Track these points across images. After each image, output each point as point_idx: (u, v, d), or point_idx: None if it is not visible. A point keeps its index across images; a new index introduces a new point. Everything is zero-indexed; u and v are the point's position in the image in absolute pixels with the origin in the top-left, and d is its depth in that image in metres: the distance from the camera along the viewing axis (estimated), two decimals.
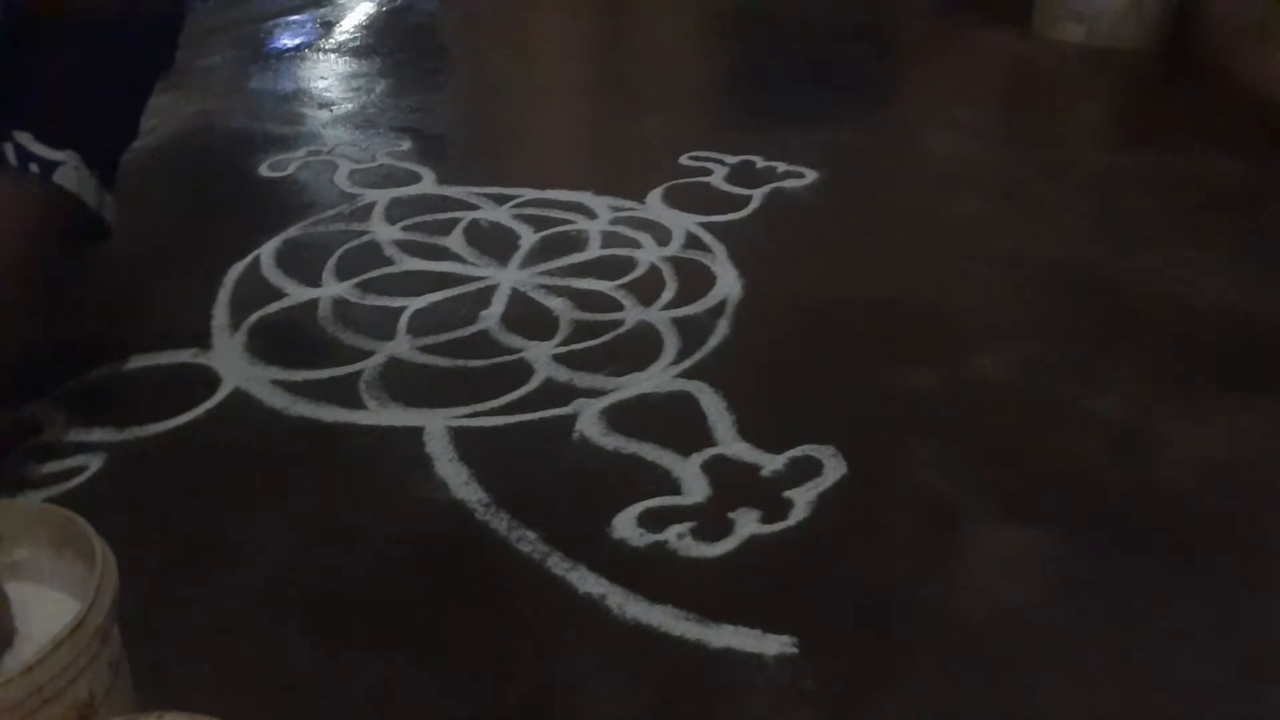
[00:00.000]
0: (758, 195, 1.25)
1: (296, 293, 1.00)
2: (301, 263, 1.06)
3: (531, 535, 0.68)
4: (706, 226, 1.16)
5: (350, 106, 1.57)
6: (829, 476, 0.75)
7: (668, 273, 1.05)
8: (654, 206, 1.21)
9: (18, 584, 0.50)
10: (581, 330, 0.94)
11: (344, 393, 0.83)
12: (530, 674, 0.58)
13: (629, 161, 1.40)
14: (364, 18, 2.14)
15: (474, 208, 1.20)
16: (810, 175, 1.31)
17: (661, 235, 1.14)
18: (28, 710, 0.41)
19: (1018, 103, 1.75)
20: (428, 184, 1.27)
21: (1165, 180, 1.34)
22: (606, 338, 0.93)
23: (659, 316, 0.97)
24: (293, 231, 1.12)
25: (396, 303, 0.98)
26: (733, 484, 0.73)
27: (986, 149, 1.46)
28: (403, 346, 0.91)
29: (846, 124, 1.53)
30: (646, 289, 1.02)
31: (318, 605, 0.63)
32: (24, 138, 0.68)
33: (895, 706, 0.57)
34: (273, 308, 0.97)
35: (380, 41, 1.97)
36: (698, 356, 0.90)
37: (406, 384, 0.86)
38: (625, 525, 0.70)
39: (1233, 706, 0.58)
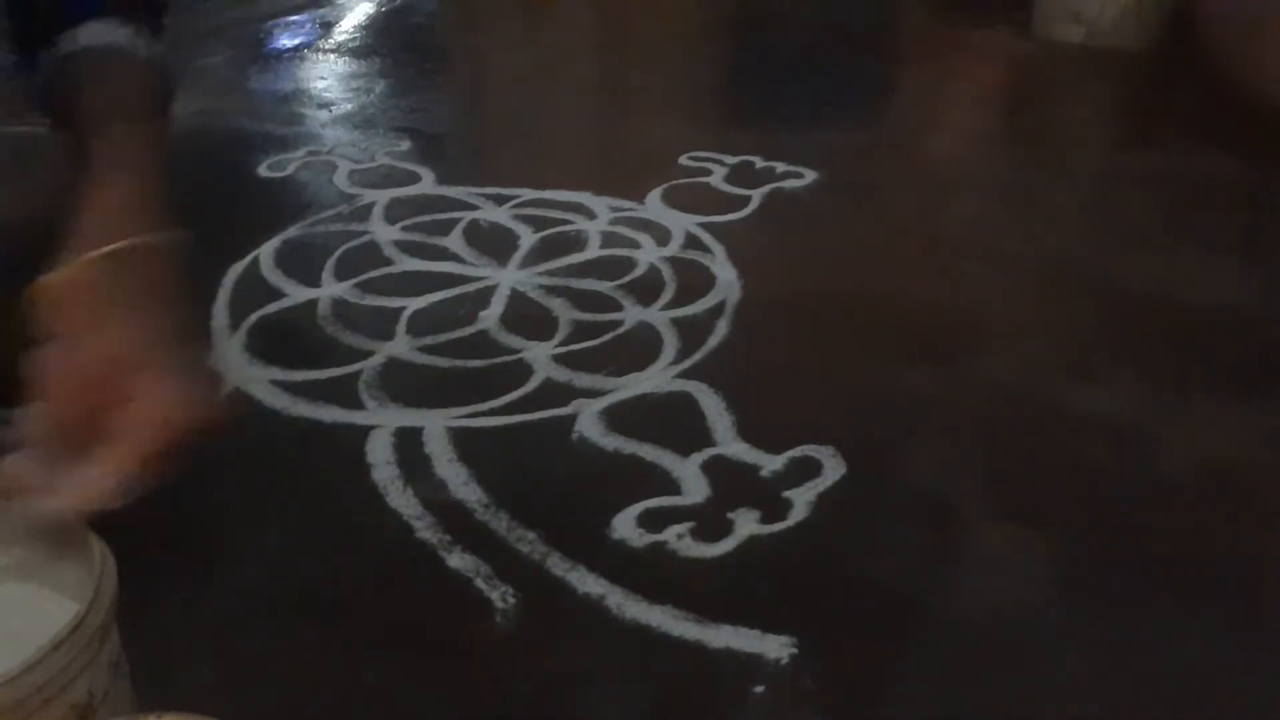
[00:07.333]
0: (757, 195, 1.25)
1: (296, 293, 1.00)
2: (301, 263, 1.06)
3: (531, 535, 0.68)
4: (706, 227, 1.16)
5: (350, 107, 1.57)
6: (828, 477, 0.75)
7: (667, 273, 1.05)
8: (653, 207, 1.21)
9: (16, 584, 0.50)
10: (581, 330, 0.94)
11: (343, 393, 0.83)
12: (529, 674, 0.58)
13: (629, 161, 1.40)
14: (364, 18, 2.14)
15: (473, 208, 1.20)
16: (810, 175, 1.31)
17: (661, 235, 1.14)
18: (26, 711, 0.41)
19: (1017, 103, 1.75)
20: (427, 184, 1.27)
21: (1165, 180, 1.34)
22: (606, 338, 0.93)
23: (658, 317, 0.97)
24: (292, 232, 1.12)
25: (396, 303, 0.98)
26: (732, 484, 0.73)
27: (986, 149, 1.46)
28: (402, 347, 0.91)
29: (846, 124, 1.53)
30: (646, 289, 1.02)
31: (318, 605, 0.63)
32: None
33: (895, 706, 0.57)
34: (272, 308, 0.97)
35: (380, 41, 1.97)
36: (697, 357, 0.90)
37: (406, 384, 0.86)
38: (625, 525, 0.70)
39: (1235, 708, 0.58)
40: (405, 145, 1.40)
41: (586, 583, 0.65)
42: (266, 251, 1.08)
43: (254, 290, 1.01)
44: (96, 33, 0.60)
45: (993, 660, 0.60)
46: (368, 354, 0.90)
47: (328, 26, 2.05)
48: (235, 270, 1.04)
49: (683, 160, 1.35)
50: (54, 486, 0.46)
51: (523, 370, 0.88)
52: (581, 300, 0.99)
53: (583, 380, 0.86)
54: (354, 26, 2.06)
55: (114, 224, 0.52)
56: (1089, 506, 0.73)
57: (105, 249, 0.50)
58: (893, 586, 0.66)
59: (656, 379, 0.87)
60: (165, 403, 0.47)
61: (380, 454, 0.76)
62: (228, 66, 1.75)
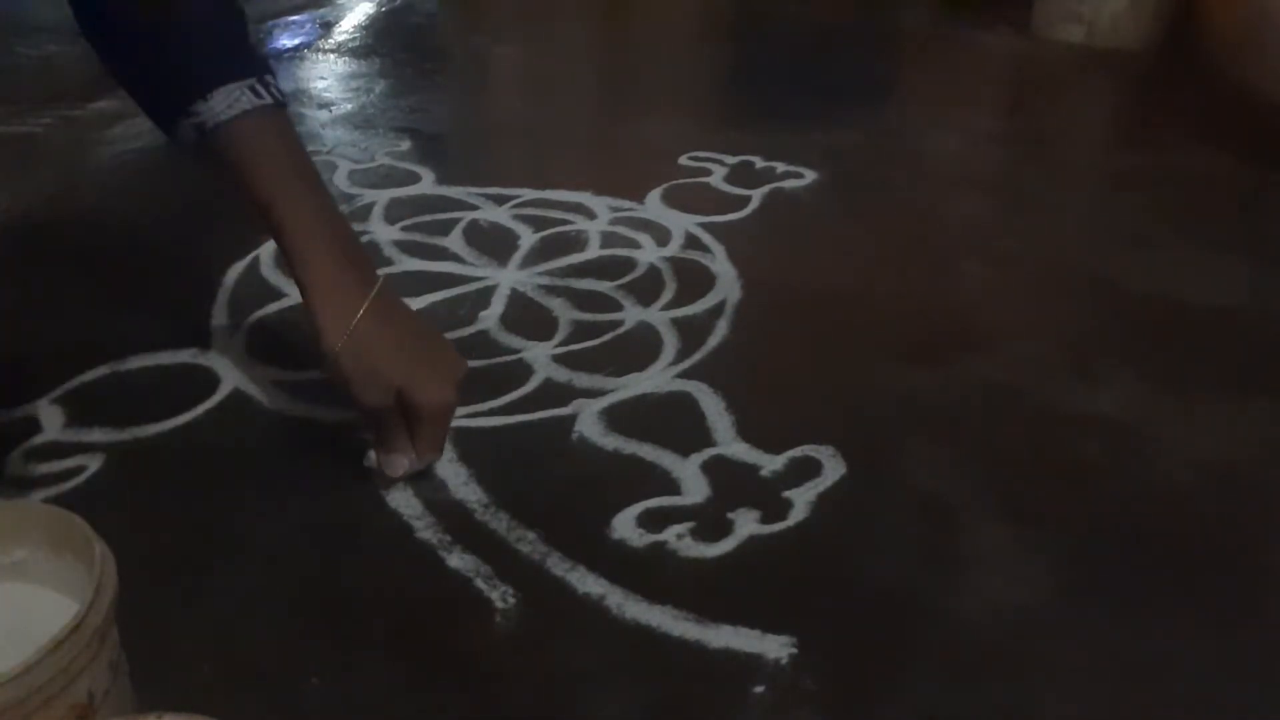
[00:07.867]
0: (757, 195, 1.25)
1: (296, 293, 1.00)
2: None
3: (531, 535, 0.68)
4: (706, 227, 1.16)
5: (350, 106, 1.57)
6: (828, 477, 0.75)
7: (667, 273, 1.05)
8: (653, 207, 1.21)
9: (16, 584, 0.50)
10: (581, 330, 0.94)
11: (344, 393, 0.83)
12: (529, 674, 0.58)
13: (629, 161, 1.40)
14: (364, 18, 2.14)
15: (473, 208, 1.20)
16: (810, 175, 1.31)
17: (661, 235, 1.14)
18: (26, 711, 0.41)
19: (1017, 103, 1.75)
20: (427, 184, 1.27)
21: (1165, 180, 1.34)
22: (606, 338, 0.93)
23: (658, 317, 0.97)
24: None
25: None
26: (732, 484, 0.73)
27: (986, 149, 1.46)
28: None
29: (846, 124, 1.53)
30: (646, 289, 1.02)
31: (318, 606, 0.63)
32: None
33: (895, 706, 0.57)
34: (272, 308, 0.97)
35: (380, 41, 1.97)
36: (697, 357, 0.90)
37: None
38: (624, 525, 0.70)
39: (1235, 708, 0.58)
40: (405, 145, 1.40)
41: (586, 583, 0.65)
42: (266, 252, 1.07)
43: (254, 290, 1.01)
44: (228, 101, 0.69)
45: (992, 659, 0.60)
46: None
47: (328, 26, 2.05)
48: (235, 270, 1.04)
49: (683, 160, 1.35)
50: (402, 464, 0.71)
51: (523, 370, 0.88)
52: (581, 300, 0.99)
53: (583, 380, 0.86)
54: (354, 26, 2.07)
55: (346, 283, 0.68)
56: (1089, 506, 0.73)
57: (358, 311, 0.67)
58: (893, 586, 0.66)
59: (656, 379, 0.87)
60: (443, 390, 0.69)
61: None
62: None
